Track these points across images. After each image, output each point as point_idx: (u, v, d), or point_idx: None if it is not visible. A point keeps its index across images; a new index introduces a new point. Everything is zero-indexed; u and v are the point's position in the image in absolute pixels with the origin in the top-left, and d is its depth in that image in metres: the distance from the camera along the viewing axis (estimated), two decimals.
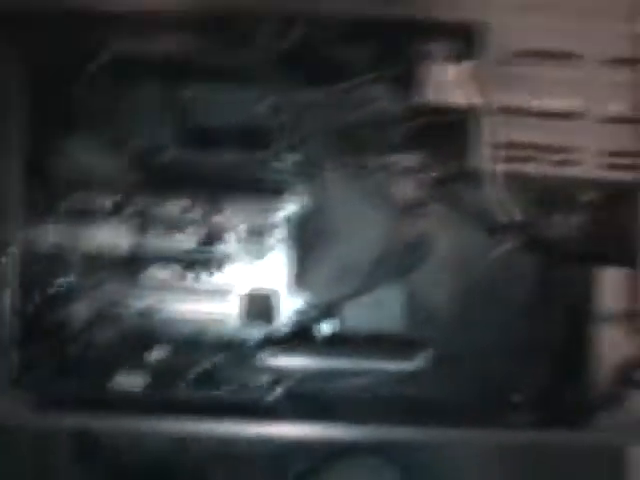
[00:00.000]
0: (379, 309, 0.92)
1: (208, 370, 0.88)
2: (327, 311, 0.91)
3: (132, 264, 0.88)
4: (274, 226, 0.90)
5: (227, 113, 0.87)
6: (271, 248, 0.91)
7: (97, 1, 0.82)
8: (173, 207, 0.87)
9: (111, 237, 0.87)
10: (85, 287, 0.87)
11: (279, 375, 0.88)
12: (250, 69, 0.85)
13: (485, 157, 0.79)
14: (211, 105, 0.87)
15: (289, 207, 0.90)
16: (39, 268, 0.87)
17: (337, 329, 0.91)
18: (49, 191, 0.88)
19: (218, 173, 0.90)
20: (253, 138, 0.88)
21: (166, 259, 0.89)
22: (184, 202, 0.88)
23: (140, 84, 0.88)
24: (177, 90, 0.88)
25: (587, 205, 0.89)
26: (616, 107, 0.82)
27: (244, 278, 0.91)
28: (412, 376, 0.88)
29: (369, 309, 0.92)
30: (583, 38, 0.82)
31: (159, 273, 0.87)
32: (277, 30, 0.84)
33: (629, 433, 0.82)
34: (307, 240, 0.91)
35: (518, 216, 0.84)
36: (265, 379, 0.88)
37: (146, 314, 0.88)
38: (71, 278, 0.87)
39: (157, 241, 0.88)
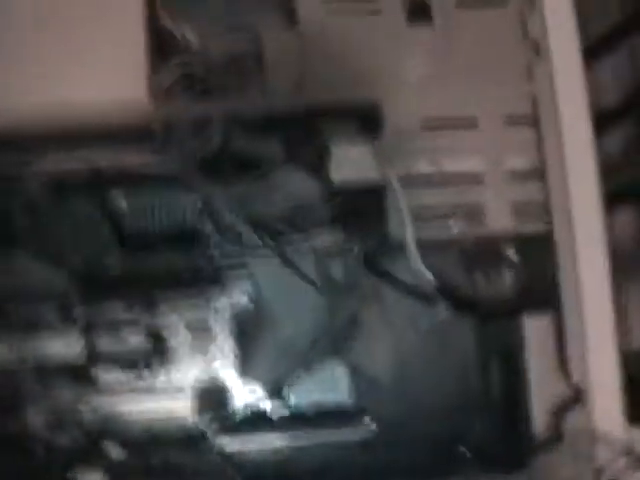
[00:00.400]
0: (325, 385, 0.95)
1: (166, 464, 0.90)
2: (275, 393, 0.95)
3: (82, 369, 0.91)
4: (216, 319, 0.94)
5: (159, 216, 0.91)
6: (215, 340, 0.94)
7: (22, 124, 0.84)
8: (117, 311, 0.91)
9: (59, 345, 0.90)
10: (39, 395, 0.90)
11: (237, 460, 0.90)
12: (173, 172, 0.89)
13: (399, 226, 0.82)
14: (143, 210, 0.91)
15: (228, 299, 0.94)
16: None
17: (287, 409, 0.94)
18: None
19: (157, 274, 0.94)
20: (187, 237, 0.92)
21: (114, 361, 0.92)
22: (127, 305, 0.91)
23: (75, 197, 0.92)
24: (110, 199, 0.91)
25: (505, 258, 0.92)
26: (519, 163, 0.86)
27: (193, 372, 0.94)
28: (361, 444, 0.90)
29: (315, 386, 0.95)
30: (481, 101, 0.86)
31: (108, 376, 0.90)
32: (193, 133, 0.87)
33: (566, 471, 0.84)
34: (248, 328, 0.95)
35: (436, 281, 0.86)
36: (223, 466, 0.90)
37: (100, 416, 0.91)
38: (24, 388, 0.90)
39: (104, 344, 0.91)
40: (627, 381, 0.98)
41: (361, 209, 0.88)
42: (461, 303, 0.93)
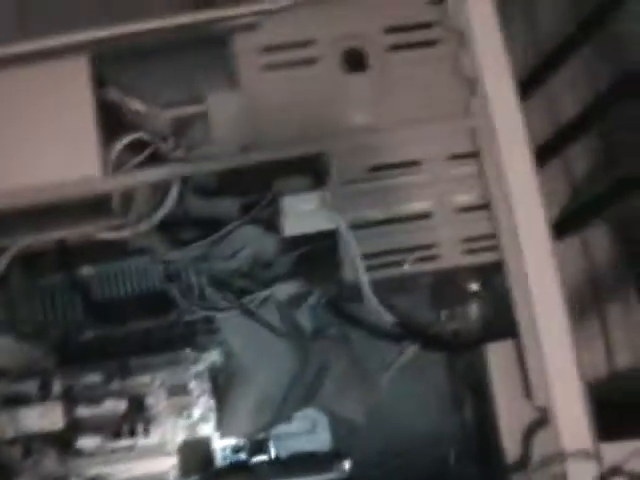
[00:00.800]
0: (302, 432, 0.98)
1: None
2: (255, 445, 0.97)
3: (65, 437, 0.94)
4: (191, 379, 0.97)
5: (126, 284, 0.94)
6: (193, 399, 0.97)
7: None
8: (95, 378, 0.94)
9: (40, 416, 0.93)
10: (24, 466, 0.93)
11: None
12: (134, 240, 0.92)
13: (353, 270, 0.84)
14: (111, 279, 0.94)
15: (202, 359, 0.97)
16: None
17: (269, 456, 0.97)
18: None
19: (129, 341, 0.97)
20: (156, 301, 0.95)
21: (97, 428, 0.95)
22: (105, 372, 0.94)
23: (44, 272, 0.95)
24: (77, 270, 0.94)
25: (466, 291, 0.95)
26: (466, 198, 0.88)
27: (175, 432, 0.97)
28: None
29: (293, 434, 0.98)
30: (423, 143, 0.89)
31: (92, 442, 0.93)
32: (150, 198, 0.90)
33: None
34: (224, 384, 0.98)
35: (398, 319, 0.89)
36: None
37: None
38: (9, 461, 0.93)
39: (85, 412, 0.94)
40: (615, 401, 1.00)
41: (316, 258, 0.90)
42: (426, 338, 0.95)
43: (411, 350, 0.97)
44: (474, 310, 0.97)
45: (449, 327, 0.99)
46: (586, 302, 1.57)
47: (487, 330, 0.95)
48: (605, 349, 1.51)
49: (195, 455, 0.96)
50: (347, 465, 0.92)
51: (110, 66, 0.92)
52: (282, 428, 0.98)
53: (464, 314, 0.97)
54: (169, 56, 0.94)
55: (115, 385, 0.96)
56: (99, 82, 0.91)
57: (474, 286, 0.96)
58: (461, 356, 0.96)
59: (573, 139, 1.47)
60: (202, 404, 0.97)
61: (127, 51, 0.91)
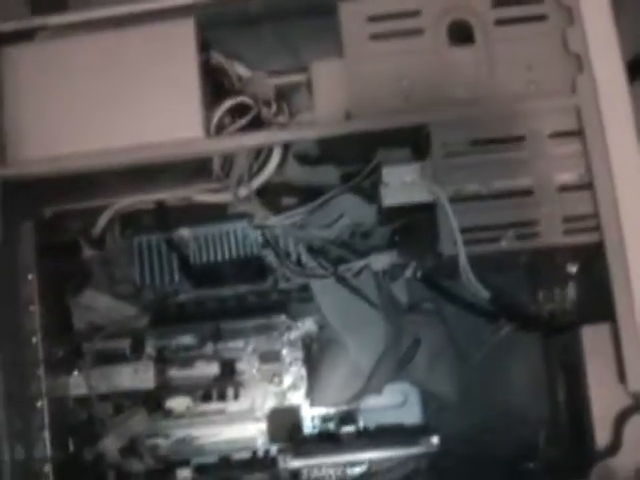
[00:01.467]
0: (392, 405, 0.98)
1: None
2: (345, 414, 0.98)
3: (156, 397, 0.95)
4: (284, 346, 0.97)
5: (223, 248, 0.95)
6: (285, 367, 0.98)
7: (91, 166, 0.89)
8: (188, 340, 0.95)
9: (132, 374, 0.94)
10: (114, 423, 0.94)
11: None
12: (235, 205, 0.93)
13: (450, 244, 0.84)
14: (208, 242, 0.95)
15: (295, 327, 0.97)
16: (69, 412, 0.95)
17: (358, 427, 0.97)
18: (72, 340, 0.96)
19: (224, 305, 0.98)
20: (253, 268, 0.96)
21: (188, 390, 0.96)
22: (198, 334, 0.95)
23: (142, 233, 0.96)
24: (175, 232, 0.95)
25: (564, 272, 0.94)
26: (568, 176, 0.87)
27: (265, 398, 0.98)
28: (429, 462, 0.92)
29: (383, 407, 1.00)
30: (526, 119, 0.88)
31: (182, 403, 0.94)
32: (251, 166, 0.91)
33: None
34: (317, 354, 0.98)
35: (495, 297, 0.88)
36: None
37: (177, 442, 0.95)
38: (101, 416, 0.94)
39: (177, 374, 0.95)
40: None
41: (415, 230, 0.90)
42: (522, 318, 0.94)
43: (506, 329, 0.96)
44: (571, 292, 0.95)
45: (545, 308, 0.97)
46: None
47: (583, 313, 0.93)
48: None
49: (284, 422, 0.97)
50: (435, 440, 0.91)
51: (216, 30, 0.92)
52: (373, 400, 0.99)
53: (561, 296, 0.96)
54: (275, 23, 0.95)
55: (208, 348, 0.97)
56: (204, 46, 0.90)
57: (572, 268, 0.95)
58: (556, 338, 0.94)
59: None
60: (293, 372, 0.98)
61: (233, 16, 0.91)
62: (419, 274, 0.93)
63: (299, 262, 0.92)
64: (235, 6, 0.91)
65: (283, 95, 0.91)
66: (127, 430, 0.93)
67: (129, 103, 0.87)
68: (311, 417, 0.98)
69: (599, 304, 0.89)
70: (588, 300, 0.93)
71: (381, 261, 0.89)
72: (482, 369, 0.95)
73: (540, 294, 0.98)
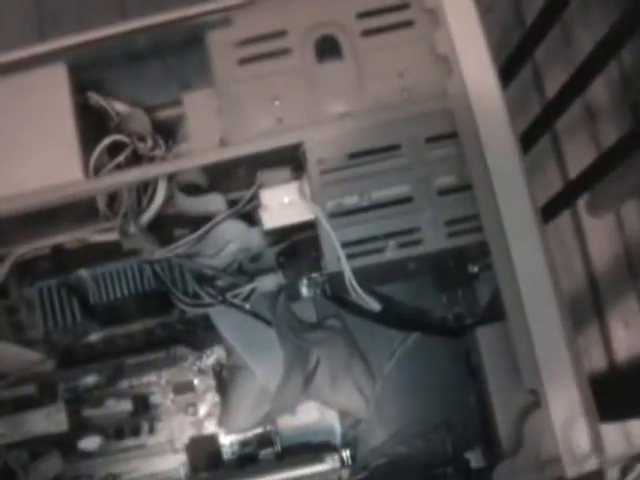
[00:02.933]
0: (313, 423, 0.98)
1: None
2: (262, 437, 0.98)
3: (71, 439, 0.96)
4: (195, 376, 0.98)
5: (122, 285, 0.95)
6: (198, 396, 0.98)
7: None
8: (96, 379, 0.95)
9: (44, 419, 0.95)
10: (30, 469, 0.95)
11: None
12: (125, 242, 0.93)
13: (335, 260, 0.84)
14: (106, 281, 0.95)
15: (206, 355, 0.98)
16: None
17: (276, 449, 0.97)
18: None
19: (133, 341, 0.98)
20: (155, 302, 0.96)
21: (103, 428, 0.97)
22: (105, 372, 0.96)
23: (42, 279, 0.97)
24: (74, 275, 0.96)
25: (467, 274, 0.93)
26: (446, 180, 0.87)
27: (182, 429, 0.98)
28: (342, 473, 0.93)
29: (304, 424, 1.00)
30: (400, 127, 0.88)
31: (94, 442, 0.95)
32: (135, 198, 0.91)
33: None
34: (223, 381, 0.99)
35: (378, 307, 0.88)
36: None
37: None
38: (16, 464, 0.95)
39: (91, 413, 0.96)
40: None
41: (301, 249, 0.90)
42: (427, 324, 0.94)
43: (414, 337, 0.96)
44: (476, 293, 0.95)
45: (452, 311, 0.96)
46: (624, 279, 1.53)
47: (490, 313, 0.92)
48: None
49: (203, 451, 0.97)
50: (346, 454, 0.91)
51: (99, 70, 0.93)
52: (289, 421, 0.99)
53: (466, 297, 0.95)
54: (160, 57, 0.94)
55: (121, 385, 0.97)
56: (81, 87, 0.90)
57: (474, 268, 0.94)
58: (461, 341, 0.93)
59: (560, 113, 1.42)
60: (208, 400, 0.98)
61: (107, 55, 0.91)
62: (319, 290, 0.92)
63: (195, 292, 0.90)
64: (118, 44, 0.90)
65: (163, 128, 0.91)
66: (43, 476, 0.92)
67: (8, 152, 0.87)
68: (230, 443, 0.97)
69: (491, 305, 0.89)
70: (491, 300, 0.92)
71: (268, 283, 0.89)
72: (394, 379, 0.94)
73: (444, 297, 0.96)
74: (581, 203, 1.70)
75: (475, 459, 0.93)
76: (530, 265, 0.84)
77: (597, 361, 1.60)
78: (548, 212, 1.50)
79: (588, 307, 1.65)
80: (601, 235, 1.61)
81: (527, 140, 1.45)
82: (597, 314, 1.63)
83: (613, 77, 1.66)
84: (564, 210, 1.56)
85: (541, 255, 0.84)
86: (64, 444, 0.97)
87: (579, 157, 1.56)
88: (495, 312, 0.88)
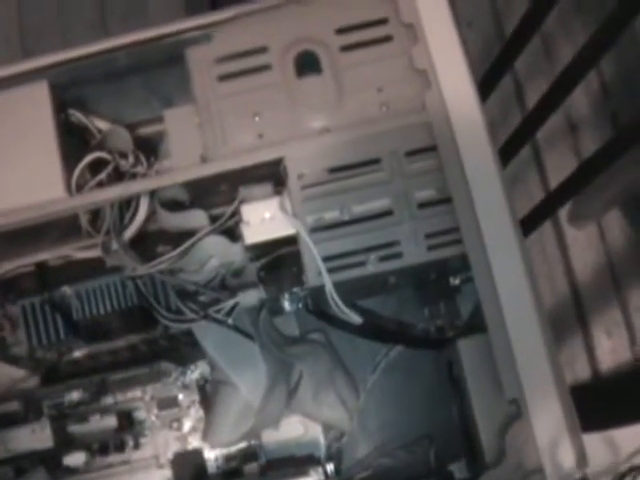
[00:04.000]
0: (297, 436, 0.99)
1: None
2: (247, 451, 0.98)
3: (56, 455, 0.96)
4: (180, 391, 0.98)
5: (105, 301, 0.96)
6: (183, 411, 0.98)
7: None
8: (80, 395, 0.95)
9: (29, 435, 0.95)
10: None
11: None
12: (108, 258, 0.93)
13: (316, 275, 0.84)
14: (90, 297, 0.96)
15: (189, 370, 0.98)
16: None
17: (260, 463, 0.97)
18: None
19: (117, 357, 0.98)
20: (138, 318, 0.96)
21: (88, 444, 0.97)
22: (89, 389, 0.96)
23: (25, 296, 0.97)
24: (57, 292, 0.96)
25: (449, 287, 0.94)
26: (426, 193, 0.88)
27: (167, 444, 0.98)
28: None
29: (288, 438, 1.00)
30: (380, 141, 0.88)
31: (79, 458, 0.95)
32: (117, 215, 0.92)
33: None
34: (207, 396, 1.00)
35: (359, 321, 0.89)
36: None
37: None
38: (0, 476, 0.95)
39: (76, 430, 0.96)
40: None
41: (283, 264, 0.91)
42: (408, 337, 0.95)
43: (397, 350, 0.96)
44: (457, 305, 0.96)
45: (434, 324, 0.97)
46: (606, 289, 1.54)
47: (471, 326, 0.93)
48: (627, 335, 1.48)
49: (188, 466, 0.97)
50: (332, 468, 0.91)
51: (80, 88, 0.94)
52: (274, 435, 0.99)
53: (448, 310, 0.96)
54: (141, 75, 0.95)
55: (104, 401, 0.97)
56: (63, 105, 0.91)
57: (455, 281, 0.95)
58: (443, 353, 0.94)
59: (540, 124, 1.43)
60: (192, 415, 0.98)
61: (89, 73, 0.92)
62: (301, 305, 0.93)
63: (178, 308, 0.91)
64: (99, 62, 0.91)
65: (145, 145, 0.91)
66: None
67: None
68: (214, 457, 0.98)
69: (472, 316, 0.89)
70: (472, 313, 0.93)
71: (249, 297, 0.89)
72: (377, 392, 0.95)
73: (426, 310, 0.97)
74: (563, 214, 1.71)
75: (459, 471, 0.93)
76: (510, 277, 0.85)
77: (581, 371, 1.61)
78: (529, 223, 1.51)
79: (571, 317, 1.66)
80: (583, 246, 1.62)
81: (508, 151, 1.46)
82: (580, 324, 1.64)
83: (593, 88, 1.67)
84: (545, 221, 1.56)
85: (521, 267, 0.85)
86: (49, 460, 0.97)
87: (560, 168, 1.56)
88: (477, 324, 0.87)
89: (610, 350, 1.54)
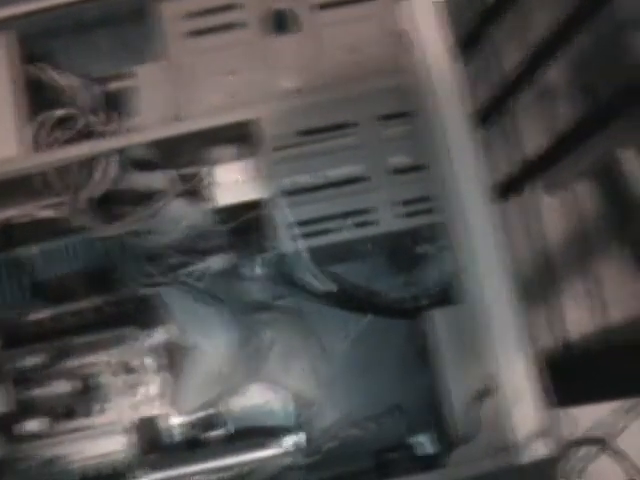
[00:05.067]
0: (256, 406, 0.99)
1: None
2: (212, 419, 0.96)
3: (14, 420, 0.93)
4: (145, 356, 0.95)
5: (70, 262, 0.93)
6: (147, 376, 0.96)
7: None
8: (41, 359, 0.93)
9: None
10: None
11: None
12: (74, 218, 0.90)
13: (289, 240, 0.82)
14: (54, 257, 0.93)
15: (156, 335, 0.95)
16: None
17: (226, 431, 0.95)
18: None
19: (81, 319, 0.96)
20: (103, 280, 0.93)
21: (47, 409, 0.94)
22: (51, 353, 0.93)
23: None
24: (20, 251, 0.93)
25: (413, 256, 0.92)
26: (401, 159, 0.85)
27: (131, 410, 0.96)
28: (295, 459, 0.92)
29: (254, 406, 0.98)
30: (355, 103, 0.86)
31: (39, 424, 0.92)
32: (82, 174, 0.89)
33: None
34: (174, 361, 0.97)
35: (333, 288, 0.86)
36: None
37: (44, 463, 0.93)
38: None
39: (35, 394, 0.93)
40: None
41: (252, 228, 0.88)
42: (380, 306, 0.92)
43: (368, 319, 0.94)
44: (430, 274, 0.93)
45: (407, 293, 0.95)
46: (577, 258, 1.52)
47: (445, 295, 0.91)
48: (596, 304, 1.47)
49: (152, 432, 0.95)
50: (301, 438, 0.89)
51: (41, 41, 0.90)
52: (240, 402, 0.98)
53: (421, 278, 0.94)
54: (101, 30, 0.92)
55: (65, 365, 0.94)
56: (31, 58, 0.87)
57: (431, 249, 0.93)
58: (416, 323, 0.92)
59: (516, 92, 1.41)
60: (158, 381, 0.95)
61: (58, 25, 0.89)
62: (271, 271, 0.90)
63: (147, 271, 0.88)
64: (66, 13, 0.87)
65: (115, 102, 0.88)
66: None
67: None
68: (180, 424, 0.95)
69: (448, 287, 0.87)
70: (448, 282, 0.91)
71: (219, 262, 0.87)
72: (347, 361, 0.93)
73: (398, 279, 0.95)
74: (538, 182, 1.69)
75: (428, 443, 0.91)
76: (488, 247, 0.83)
77: (548, 341, 1.59)
78: (506, 190, 1.49)
79: (542, 286, 1.64)
80: (557, 213, 1.60)
81: (484, 118, 1.43)
82: (549, 293, 1.62)
83: (569, 58, 1.65)
84: (522, 188, 1.54)
85: (496, 234, 0.83)
86: (6, 426, 0.93)
87: (536, 135, 1.54)
88: (450, 295, 0.88)
89: (577, 320, 1.53)
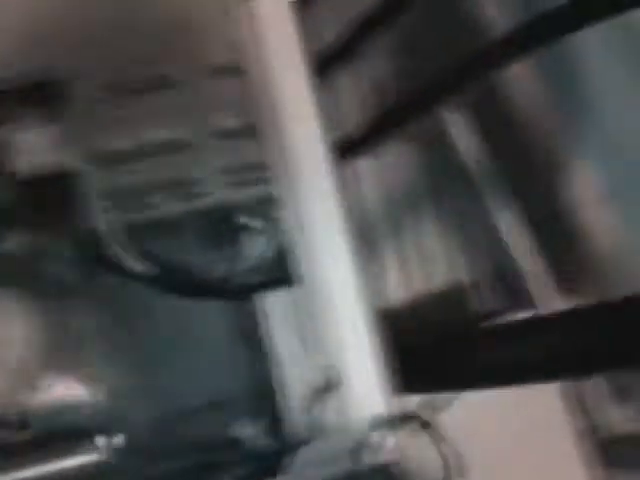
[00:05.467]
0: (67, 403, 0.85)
1: None
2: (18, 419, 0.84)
3: None
4: None
5: None
6: None
7: None
8: None
9: None
10: None
11: None
12: None
13: (94, 215, 0.70)
14: None
15: None
16: None
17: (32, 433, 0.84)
18: None
19: None
20: None
21: None
22: None
23: None
24: None
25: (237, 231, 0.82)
26: (230, 121, 0.74)
27: None
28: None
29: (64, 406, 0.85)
30: (176, 55, 0.75)
31: None
32: None
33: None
34: None
35: (145, 269, 0.75)
36: None
37: None
38: None
39: None
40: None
41: (55, 202, 0.76)
42: (192, 286, 0.81)
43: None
44: (255, 251, 0.83)
45: (231, 271, 0.84)
46: (385, 228, 1.48)
47: (271, 275, 0.81)
48: (400, 276, 1.43)
49: None
50: (115, 441, 0.79)
51: None
52: (48, 401, 0.84)
53: (243, 256, 0.83)
54: None
55: None
56: None
57: (256, 224, 0.82)
58: (240, 305, 0.81)
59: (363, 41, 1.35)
60: None
61: None
62: (80, 251, 0.78)
63: None
64: None
65: None
66: None
67: None
68: None
69: (282, 267, 0.77)
70: (275, 261, 0.80)
71: (16, 242, 0.75)
72: (168, 349, 0.81)
73: (216, 256, 0.84)
74: None
75: (259, 440, 0.81)
76: (325, 218, 0.74)
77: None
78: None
79: (366, 248, 1.59)
80: (375, 177, 1.55)
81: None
82: (373, 255, 1.57)
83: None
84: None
85: (337, 206, 0.73)
86: None
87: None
88: (285, 273, 0.78)
89: (398, 284, 1.49)
